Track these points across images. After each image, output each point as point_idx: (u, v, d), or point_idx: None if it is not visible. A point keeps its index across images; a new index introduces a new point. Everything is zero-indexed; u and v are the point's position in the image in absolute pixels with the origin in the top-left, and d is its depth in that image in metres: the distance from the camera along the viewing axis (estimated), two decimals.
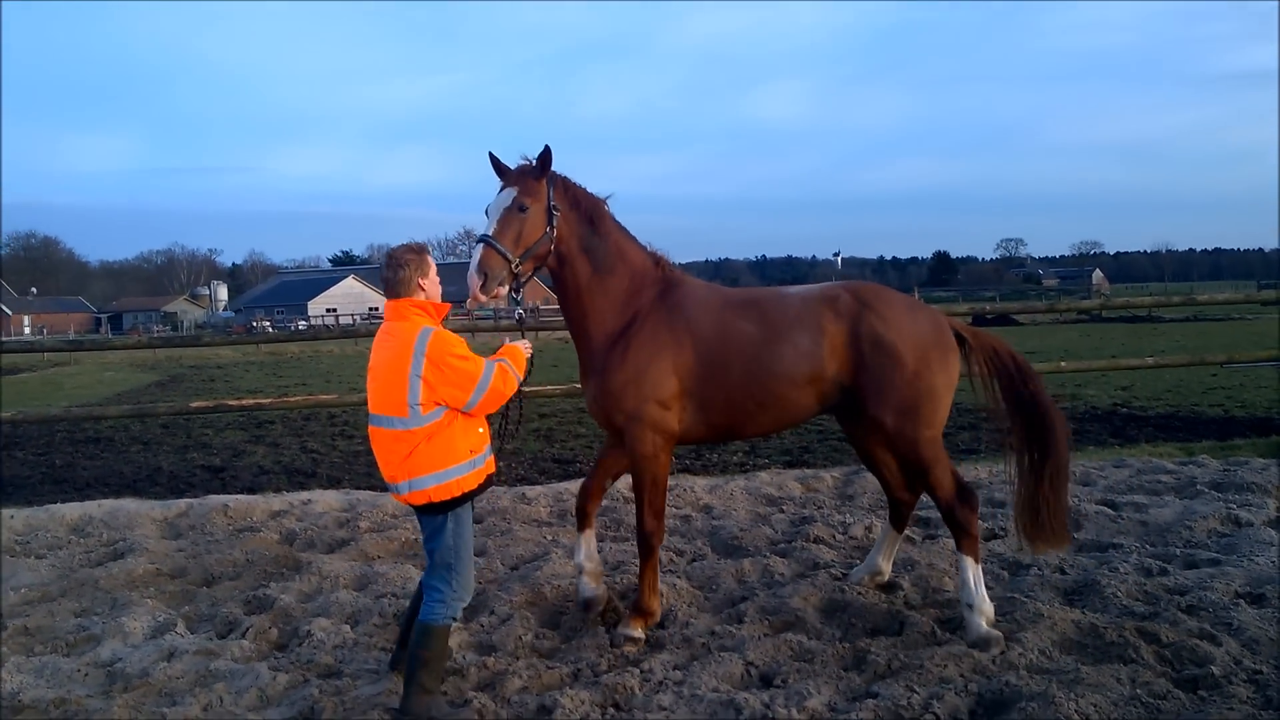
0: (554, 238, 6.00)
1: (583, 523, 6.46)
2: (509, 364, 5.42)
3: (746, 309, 6.23)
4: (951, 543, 7.38)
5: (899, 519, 6.78)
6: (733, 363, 6.07)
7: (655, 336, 6.08)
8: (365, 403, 5.39)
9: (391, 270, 5.23)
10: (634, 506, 6.31)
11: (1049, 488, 6.19)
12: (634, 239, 6.44)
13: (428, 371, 5.04)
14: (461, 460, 5.19)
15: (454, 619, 5.30)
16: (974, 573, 5.96)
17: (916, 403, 5.97)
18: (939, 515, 7.88)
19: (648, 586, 6.15)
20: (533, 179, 5.96)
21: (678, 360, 6.04)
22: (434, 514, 5.22)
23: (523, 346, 5.70)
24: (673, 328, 6.11)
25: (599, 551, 6.68)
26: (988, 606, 5.91)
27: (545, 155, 5.97)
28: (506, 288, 5.85)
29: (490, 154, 6.12)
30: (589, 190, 6.28)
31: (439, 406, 5.12)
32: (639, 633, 6.00)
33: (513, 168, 6.05)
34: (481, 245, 5.82)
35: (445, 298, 5.50)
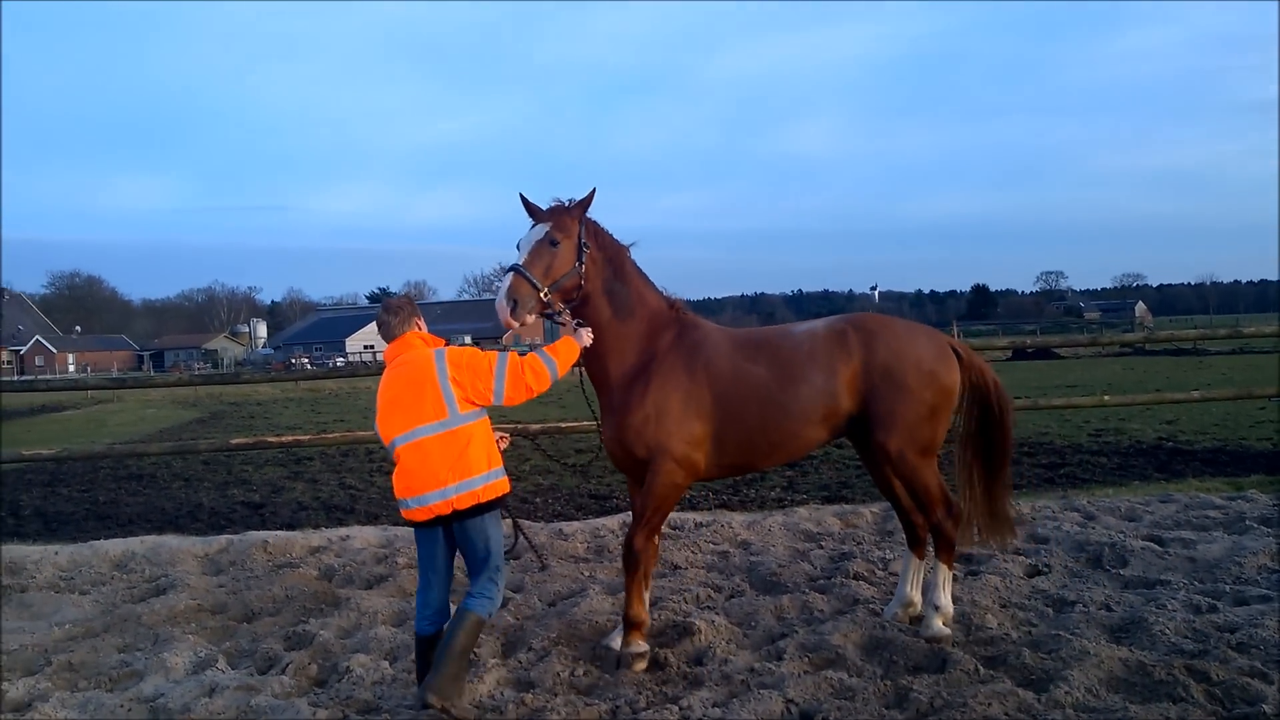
0: (582, 274, 6.22)
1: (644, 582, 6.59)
2: (543, 354, 5.88)
3: (758, 351, 6.48)
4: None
5: (916, 541, 6.91)
6: (749, 405, 6.31)
7: (674, 376, 6.31)
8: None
9: (391, 314, 5.77)
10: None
11: (1001, 493, 6.79)
12: (652, 284, 6.69)
13: (453, 373, 5.52)
14: (499, 465, 5.68)
15: (494, 613, 5.72)
16: (945, 578, 6.52)
17: (919, 428, 6.34)
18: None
19: (635, 598, 6.30)
20: (567, 217, 6.22)
21: (698, 400, 6.28)
22: (475, 516, 5.56)
23: (580, 338, 6.16)
24: (691, 369, 6.34)
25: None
26: (949, 610, 6.48)
27: (589, 198, 6.31)
28: (534, 316, 6.08)
29: (521, 195, 6.38)
30: (614, 236, 6.52)
31: (474, 408, 5.59)
32: (642, 645, 6.24)
33: (544, 208, 6.28)
34: (511, 273, 6.06)
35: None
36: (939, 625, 6.38)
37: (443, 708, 5.26)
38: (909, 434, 6.31)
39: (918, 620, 6.62)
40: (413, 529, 5.79)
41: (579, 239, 6.21)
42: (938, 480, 6.48)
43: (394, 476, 5.67)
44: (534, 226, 6.23)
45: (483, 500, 5.53)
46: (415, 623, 5.81)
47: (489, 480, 5.57)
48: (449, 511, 5.50)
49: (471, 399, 5.56)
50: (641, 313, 6.46)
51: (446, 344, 5.82)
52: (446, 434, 5.49)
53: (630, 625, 6.26)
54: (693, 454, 6.26)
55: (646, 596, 6.50)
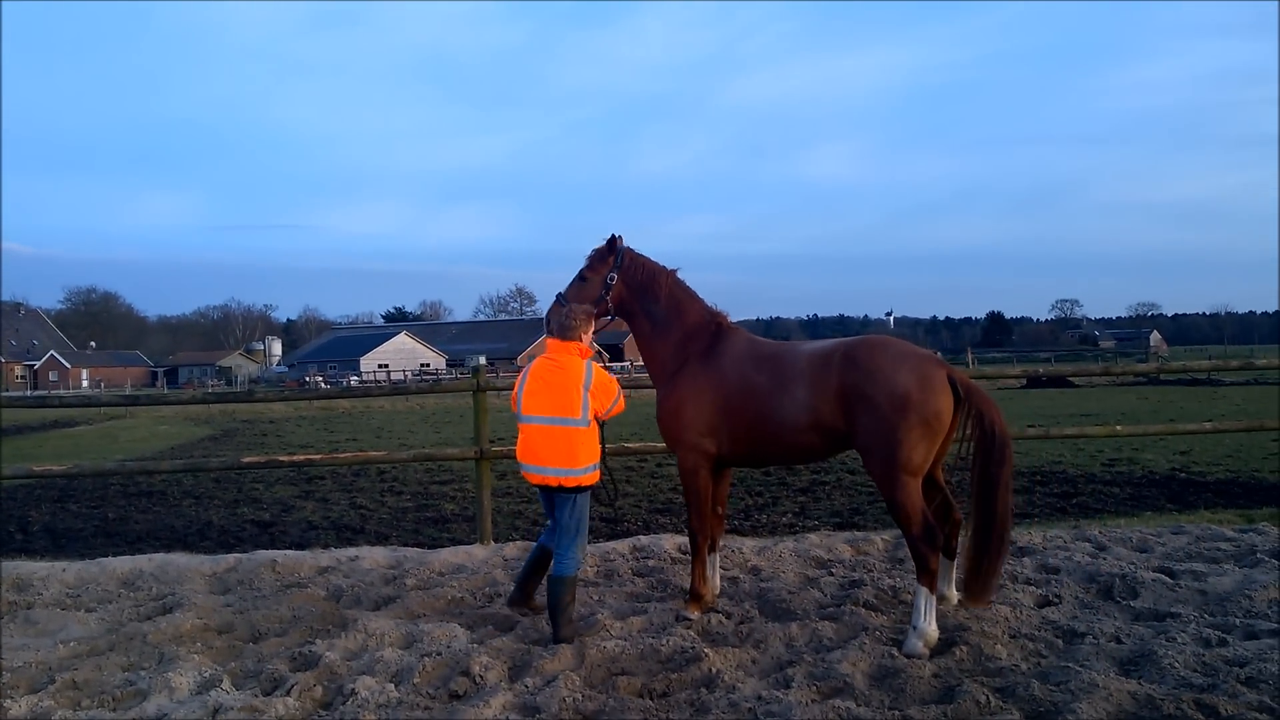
0: (608, 300, 7.86)
1: (710, 547, 7.83)
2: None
3: (765, 362, 7.41)
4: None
5: (947, 547, 7.39)
6: (747, 407, 7.32)
7: (694, 379, 7.58)
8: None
9: (570, 320, 7.28)
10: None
11: (985, 549, 6.92)
12: (694, 299, 7.99)
13: (594, 387, 7.12)
14: (590, 463, 7.19)
15: (579, 570, 7.24)
16: (925, 600, 6.72)
17: (889, 448, 6.72)
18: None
19: (697, 577, 7.59)
20: (597, 258, 7.96)
21: (711, 400, 7.45)
22: (572, 493, 7.20)
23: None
24: (707, 375, 7.54)
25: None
26: (931, 632, 6.67)
27: (610, 241, 7.95)
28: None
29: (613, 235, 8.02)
30: (651, 263, 8.00)
31: (592, 414, 7.14)
32: (694, 614, 7.41)
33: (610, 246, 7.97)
34: (555, 300, 7.95)
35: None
36: (918, 645, 6.59)
37: (571, 639, 6.92)
38: (881, 451, 6.77)
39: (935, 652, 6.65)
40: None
41: (605, 276, 7.85)
42: (914, 501, 6.77)
43: (519, 442, 7.29)
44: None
45: (582, 484, 7.15)
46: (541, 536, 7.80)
47: (588, 471, 7.15)
48: (555, 485, 7.14)
49: (594, 410, 7.14)
50: (677, 326, 7.83)
51: (592, 353, 7.40)
52: (573, 429, 7.07)
53: (693, 597, 7.58)
54: (703, 442, 7.49)
55: (713, 576, 7.92)
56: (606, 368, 7.67)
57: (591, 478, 7.21)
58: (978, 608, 7.19)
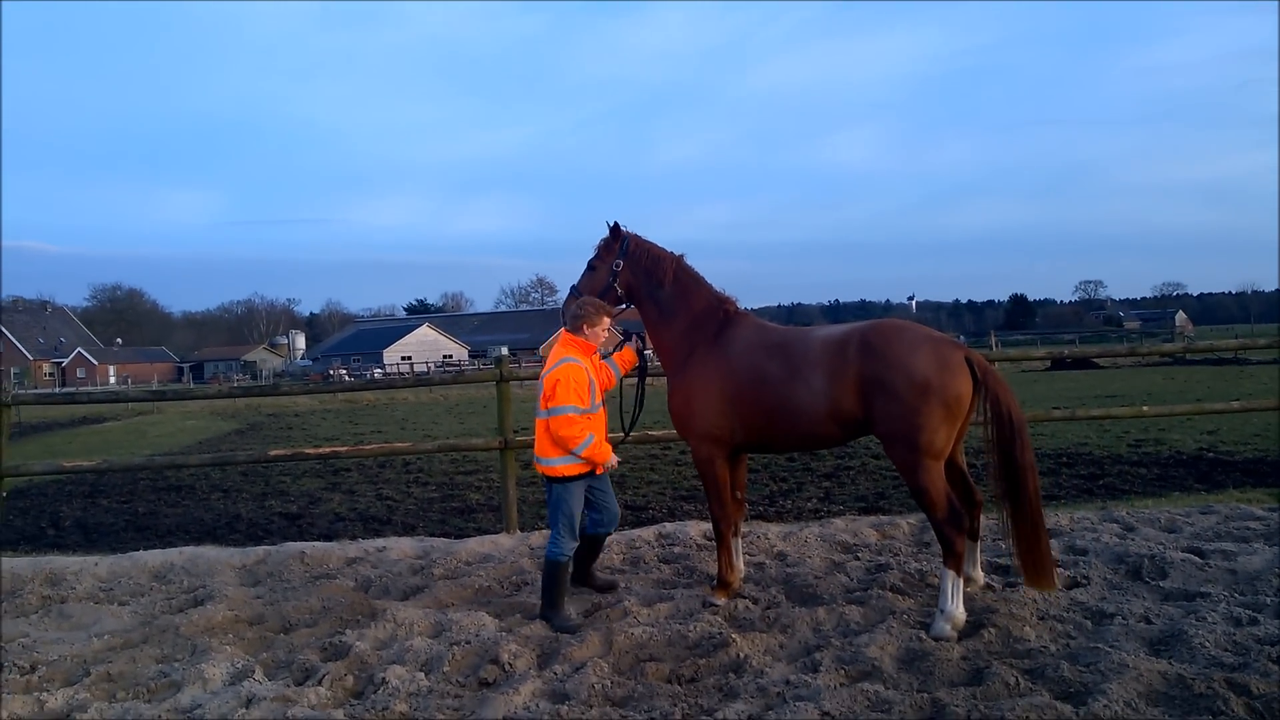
0: (616, 288, 7.93)
1: (733, 532, 7.83)
2: (596, 446, 7.36)
3: (776, 351, 7.32)
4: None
5: (971, 530, 7.36)
6: (761, 396, 7.26)
7: (705, 367, 7.54)
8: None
9: (577, 309, 7.58)
10: (708, 552, 7.40)
11: (1023, 534, 6.90)
12: (702, 284, 7.92)
13: (546, 380, 7.31)
14: (557, 455, 7.37)
15: (566, 556, 7.37)
16: (952, 583, 6.72)
17: (911, 433, 6.70)
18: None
19: (723, 564, 7.62)
20: (603, 246, 8.06)
21: (721, 389, 7.40)
22: (549, 482, 7.53)
23: (611, 459, 7.56)
24: (718, 362, 7.49)
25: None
26: (958, 615, 6.67)
27: (613, 228, 7.98)
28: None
29: (617, 222, 8.01)
30: (656, 248, 7.98)
31: (546, 409, 7.31)
32: (721, 600, 7.42)
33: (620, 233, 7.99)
34: (569, 292, 8.12)
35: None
36: (946, 628, 6.60)
37: (552, 627, 7.09)
38: (903, 437, 6.74)
39: (963, 635, 6.65)
40: None
41: (611, 264, 7.92)
42: (937, 485, 6.75)
43: None
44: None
45: (547, 474, 7.47)
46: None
47: (552, 465, 7.39)
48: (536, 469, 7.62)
49: (543, 404, 7.35)
50: (684, 312, 7.78)
51: (595, 349, 7.60)
52: (540, 420, 7.39)
53: (720, 584, 7.60)
54: (716, 432, 7.45)
55: (738, 561, 7.90)
56: (636, 359, 8.09)
57: (557, 470, 7.39)
58: (1045, 590, 7.10)
